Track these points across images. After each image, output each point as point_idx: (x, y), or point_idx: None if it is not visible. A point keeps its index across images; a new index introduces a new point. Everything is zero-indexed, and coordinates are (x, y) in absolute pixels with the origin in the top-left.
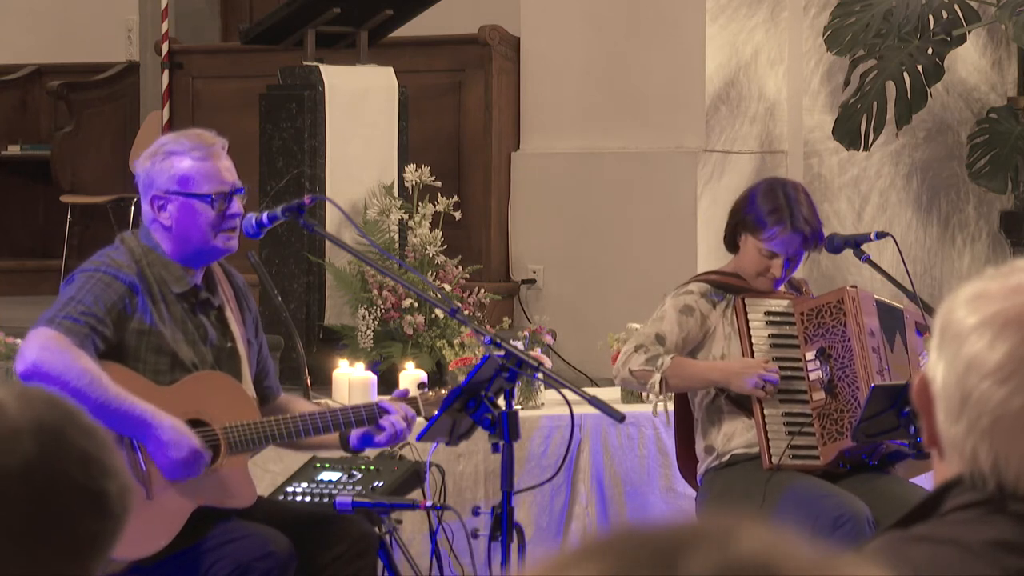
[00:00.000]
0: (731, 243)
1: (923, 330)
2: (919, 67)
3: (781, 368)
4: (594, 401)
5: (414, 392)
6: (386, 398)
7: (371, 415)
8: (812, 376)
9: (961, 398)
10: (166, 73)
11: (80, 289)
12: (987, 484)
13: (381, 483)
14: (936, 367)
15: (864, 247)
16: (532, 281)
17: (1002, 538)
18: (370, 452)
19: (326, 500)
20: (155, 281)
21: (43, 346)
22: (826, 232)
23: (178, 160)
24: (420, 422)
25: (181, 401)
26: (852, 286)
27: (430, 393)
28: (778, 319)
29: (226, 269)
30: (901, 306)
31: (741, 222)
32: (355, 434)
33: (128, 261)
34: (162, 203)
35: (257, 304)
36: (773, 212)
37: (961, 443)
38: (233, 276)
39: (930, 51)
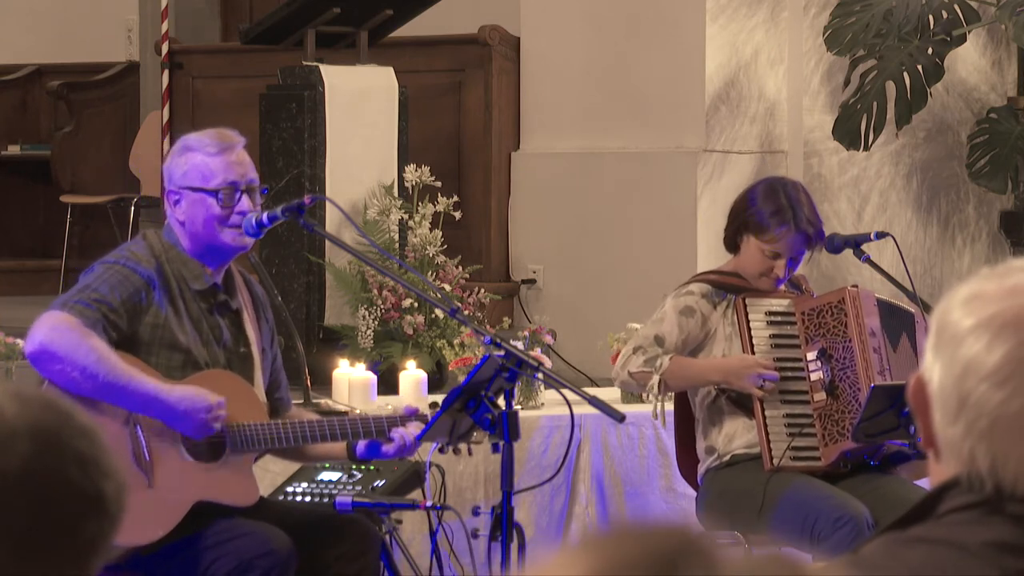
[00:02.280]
0: (732, 244)
1: None
2: (919, 67)
3: (782, 368)
4: (594, 401)
5: (425, 411)
6: (398, 408)
7: (380, 427)
8: (813, 377)
9: (959, 400)
10: (166, 73)
11: (97, 278)
12: (985, 486)
13: (381, 483)
14: (933, 368)
15: (864, 247)
16: (532, 281)
17: (1000, 539)
18: None
19: (326, 500)
20: (174, 277)
21: (52, 327)
22: (826, 232)
23: (192, 155)
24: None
25: None
26: (853, 286)
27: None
28: (779, 319)
29: (246, 278)
30: (913, 310)
31: (743, 224)
32: (362, 443)
33: (148, 256)
34: (176, 198)
35: None
36: (776, 214)
37: (959, 444)
38: (253, 285)
39: (930, 51)
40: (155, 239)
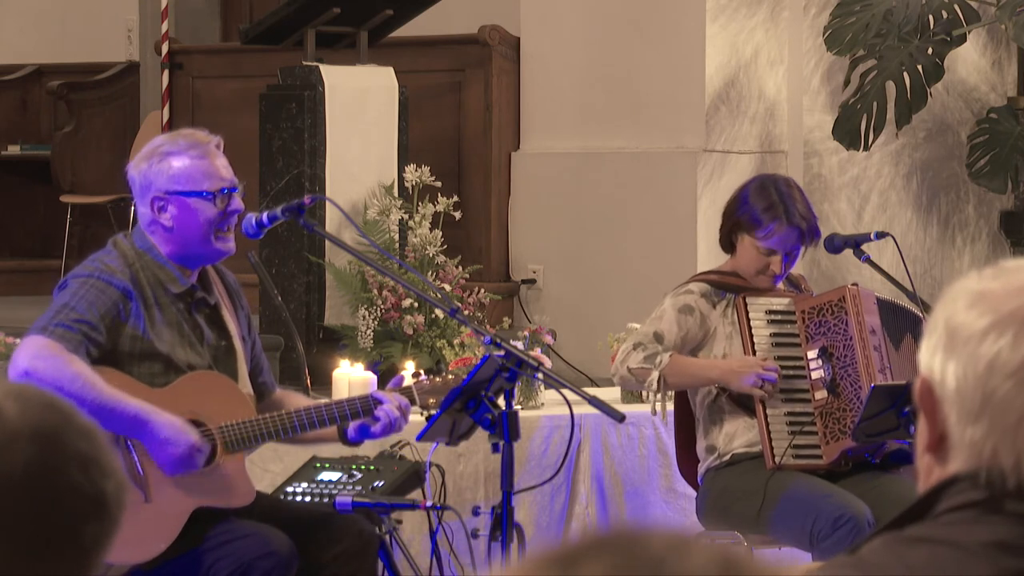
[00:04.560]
0: (727, 244)
1: None
2: (919, 67)
3: (783, 367)
4: (594, 401)
5: (409, 381)
6: (384, 388)
7: (366, 407)
8: (814, 375)
9: (983, 398)
10: (166, 73)
11: (73, 296)
12: (1006, 482)
13: (381, 483)
14: (945, 370)
15: (864, 247)
16: (532, 281)
17: (999, 539)
18: (370, 452)
19: (326, 500)
20: (149, 284)
21: (35, 354)
22: (826, 232)
23: (176, 160)
24: (415, 420)
25: (176, 402)
26: (853, 284)
27: (425, 381)
28: (779, 318)
29: (217, 268)
30: (922, 315)
31: (736, 222)
32: (352, 426)
33: (121, 266)
34: (162, 204)
35: (257, 304)
36: (768, 209)
37: (980, 443)
38: (225, 274)
39: (930, 51)
40: (127, 247)
